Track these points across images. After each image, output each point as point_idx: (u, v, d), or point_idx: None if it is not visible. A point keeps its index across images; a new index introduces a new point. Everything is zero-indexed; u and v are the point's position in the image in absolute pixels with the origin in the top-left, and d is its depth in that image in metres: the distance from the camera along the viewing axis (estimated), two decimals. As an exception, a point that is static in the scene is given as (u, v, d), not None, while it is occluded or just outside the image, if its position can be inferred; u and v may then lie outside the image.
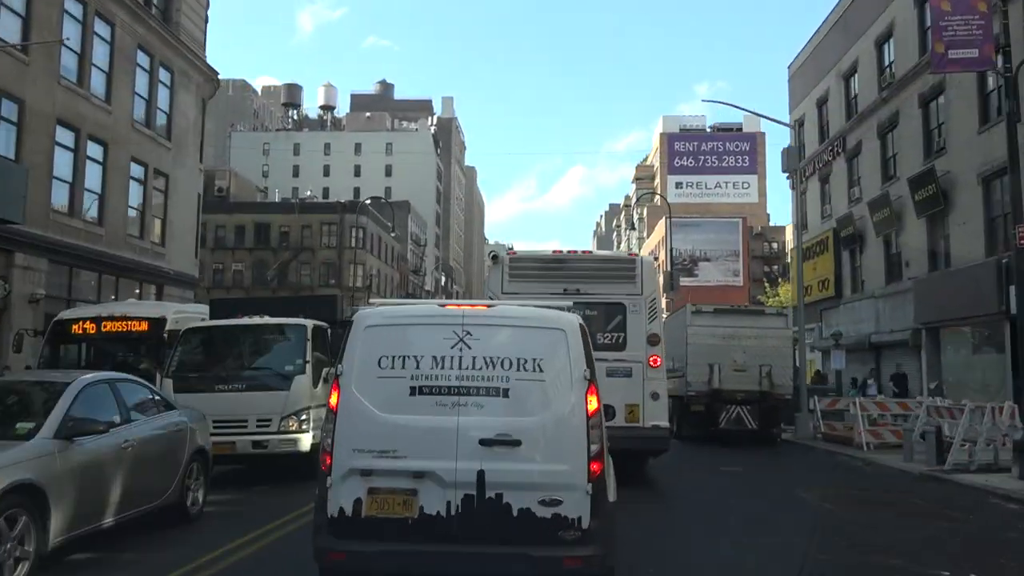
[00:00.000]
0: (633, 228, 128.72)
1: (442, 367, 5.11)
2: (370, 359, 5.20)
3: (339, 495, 4.99)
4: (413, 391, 5.09)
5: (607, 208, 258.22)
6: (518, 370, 5.09)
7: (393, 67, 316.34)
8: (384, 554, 4.83)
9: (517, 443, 4.96)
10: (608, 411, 9.08)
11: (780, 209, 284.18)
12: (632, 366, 11.70)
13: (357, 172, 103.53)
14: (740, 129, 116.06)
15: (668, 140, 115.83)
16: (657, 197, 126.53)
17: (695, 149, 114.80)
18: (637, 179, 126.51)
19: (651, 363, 11.89)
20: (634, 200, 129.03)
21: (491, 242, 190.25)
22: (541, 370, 5.11)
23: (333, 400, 5.17)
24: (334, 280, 66.34)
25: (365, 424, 5.06)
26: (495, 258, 12.94)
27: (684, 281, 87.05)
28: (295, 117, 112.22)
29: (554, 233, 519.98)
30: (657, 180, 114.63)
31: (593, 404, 5.05)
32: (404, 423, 5.04)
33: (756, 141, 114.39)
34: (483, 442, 4.95)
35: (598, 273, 12.54)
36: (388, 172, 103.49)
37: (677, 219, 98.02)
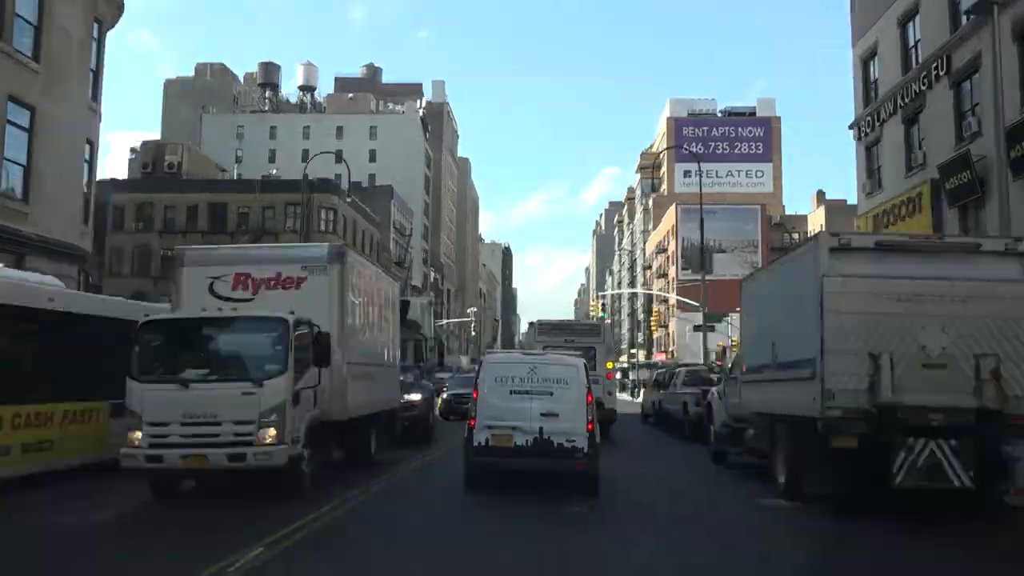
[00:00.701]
0: (630, 220, 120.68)
1: (524, 382, 11.86)
2: (491, 377, 12.11)
3: (478, 437, 11.59)
4: (512, 392, 11.82)
5: (607, 206, 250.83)
6: (557, 383, 11.85)
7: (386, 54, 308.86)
8: (499, 463, 11.53)
9: (557, 415, 11.60)
10: None
11: (798, 199, 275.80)
12: (599, 378, 19.71)
13: (338, 158, 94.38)
14: (754, 113, 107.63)
15: (675, 125, 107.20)
16: (663, 187, 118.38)
17: (705, 135, 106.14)
18: (641, 168, 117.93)
19: (607, 376, 22.59)
20: (638, 192, 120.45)
21: (487, 240, 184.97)
22: (567, 384, 11.87)
23: (475, 396, 11.99)
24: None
25: (489, 406, 11.77)
26: (531, 324, 24.19)
27: (694, 277, 78.76)
28: (272, 98, 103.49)
29: (552, 235, 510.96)
30: (664, 168, 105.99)
31: (590, 399, 11.83)
32: (507, 406, 11.71)
33: (771, 126, 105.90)
34: (542, 414, 11.58)
35: (582, 331, 24.27)
36: (372, 158, 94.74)
37: (689, 206, 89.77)
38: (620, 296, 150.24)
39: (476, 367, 13.91)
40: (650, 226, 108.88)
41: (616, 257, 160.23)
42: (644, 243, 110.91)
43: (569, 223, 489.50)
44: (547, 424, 11.39)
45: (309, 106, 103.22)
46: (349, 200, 55.32)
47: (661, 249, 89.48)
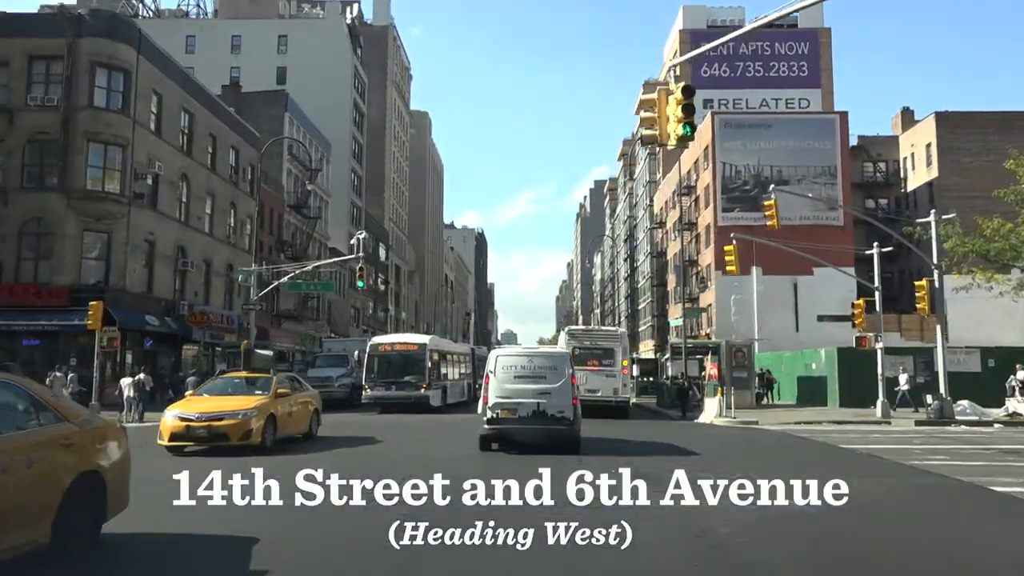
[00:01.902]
0: (631, 178, 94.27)
1: (525, 368, 15.71)
2: (500, 366, 15.78)
3: (489, 411, 15.26)
4: (516, 377, 15.54)
5: (592, 185, 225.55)
6: (548, 370, 15.62)
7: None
8: (507, 429, 15.18)
9: (549, 393, 15.19)
10: (599, 391, 26.33)
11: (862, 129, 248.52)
12: (616, 373, 27.00)
13: (234, 76, 67.36)
14: (795, 25, 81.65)
15: (692, 40, 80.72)
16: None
17: (730, 52, 79.97)
18: (644, 103, 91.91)
19: (623, 372, 27.52)
20: (639, 130, 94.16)
21: (471, 227, 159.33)
22: (556, 370, 15.58)
23: (486, 381, 15.77)
24: (55, 179, 30.98)
25: (498, 387, 15.45)
26: (565, 331, 30.96)
27: (742, 220, 53.08)
28: (150, 4, 76.48)
29: (539, 237, 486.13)
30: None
31: (574, 381, 15.71)
32: (512, 387, 15.40)
33: (818, 41, 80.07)
34: (539, 393, 15.20)
35: (602, 336, 30.22)
36: (281, 78, 67.95)
37: (731, 117, 63.78)
38: (614, 278, 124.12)
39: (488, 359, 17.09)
40: (658, 175, 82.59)
41: (608, 231, 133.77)
42: (651, 199, 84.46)
43: (557, 224, 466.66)
44: (542, 400, 15.13)
45: (195, 12, 76.35)
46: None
47: (685, 190, 62.94)
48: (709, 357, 36.34)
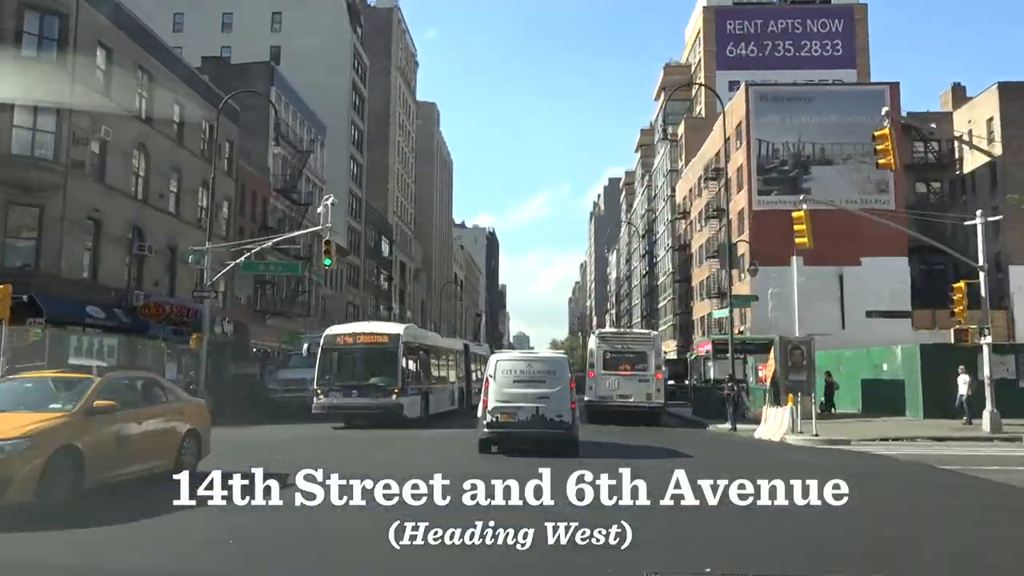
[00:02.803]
0: (649, 170, 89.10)
1: (524, 373, 15.75)
2: (499, 370, 15.82)
3: (489, 415, 15.33)
4: (515, 382, 15.58)
5: (606, 183, 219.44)
6: (548, 375, 15.71)
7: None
8: (506, 433, 15.25)
9: (548, 397, 15.28)
10: (631, 396, 25.50)
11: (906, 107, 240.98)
12: (649, 377, 25.68)
13: (224, 56, 62.19)
14: (828, 1, 76.10)
15: (717, 18, 75.48)
16: (699, 108, 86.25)
17: (758, 31, 74.62)
18: (664, 89, 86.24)
19: (656, 376, 25.96)
20: (659, 116, 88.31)
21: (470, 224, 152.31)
22: (555, 375, 15.70)
23: (487, 385, 15.83)
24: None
25: (498, 392, 15.51)
26: (595, 333, 30.16)
27: (780, 204, 47.54)
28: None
29: (552, 238, 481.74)
30: (701, 78, 74.29)
31: (572, 385, 15.84)
32: (511, 391, 15.47)
33: (853, 17, 74.36)
34: (539, 397, 15.29)
35: (634, 339, 28.53)
36: (275, 57, 62.71)
37: (767, 89, 57.88)
38: (631, 276, 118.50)
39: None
40: (680, 163, 77.03)
41: (624, 227, 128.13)
42: (672, 188, 78.87)
43: (570, 225, 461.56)
44: (541, 404, 15.17)
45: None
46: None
47: (713, 174, 57.35)
48: (766, 355, 30.75)
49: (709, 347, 50.99)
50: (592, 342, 27.98)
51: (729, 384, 26.99)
